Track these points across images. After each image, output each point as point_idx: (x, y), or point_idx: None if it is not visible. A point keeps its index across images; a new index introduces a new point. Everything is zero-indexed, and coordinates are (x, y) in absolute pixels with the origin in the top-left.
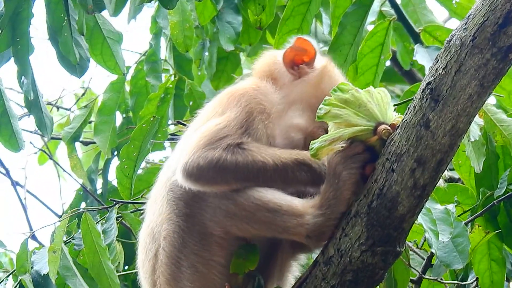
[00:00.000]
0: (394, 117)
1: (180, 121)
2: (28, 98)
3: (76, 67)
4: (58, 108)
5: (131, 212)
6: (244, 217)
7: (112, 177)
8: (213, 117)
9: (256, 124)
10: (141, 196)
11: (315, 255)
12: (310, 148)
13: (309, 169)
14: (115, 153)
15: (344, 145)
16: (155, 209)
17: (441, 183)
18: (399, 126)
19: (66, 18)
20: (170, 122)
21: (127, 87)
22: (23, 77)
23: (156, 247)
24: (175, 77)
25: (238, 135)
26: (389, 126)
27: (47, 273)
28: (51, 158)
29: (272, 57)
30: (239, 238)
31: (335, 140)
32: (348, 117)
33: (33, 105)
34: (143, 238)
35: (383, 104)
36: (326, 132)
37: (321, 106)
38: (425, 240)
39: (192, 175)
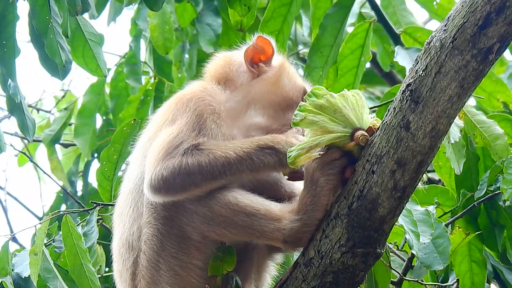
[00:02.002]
0: (371, 120)
1: None
2: (15, 101)
3: (59, 69)
4: (38, 110)
5: (112, 215)
6: (221, 222)
7: (93, 179)
8: (164, 124)
9: (208, 125)
10: None
11: (295, 256)
12: (287, 156)
13: (273, 151)
14: (95, 155)
15: (321, 152)
16: (125, 220)
17: (419, 185)
18: (379, 127)
19: (51, 20)
20: None
21: (107, 89)
22: (9, 80)
23: (135, 254)
24: (155, 79)
25: (192, 138)
26: (366, 130)
27: (28, 275)
28: (31, 161)
29: (226, 58)
30: (217, 241)
31: (312, 147)
32: (324, 123)
33: (16, 107)
34: (117, 249)
35: (358, 108)
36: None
37: (296, 112)
38: (405, 242)
39: (161, 188)
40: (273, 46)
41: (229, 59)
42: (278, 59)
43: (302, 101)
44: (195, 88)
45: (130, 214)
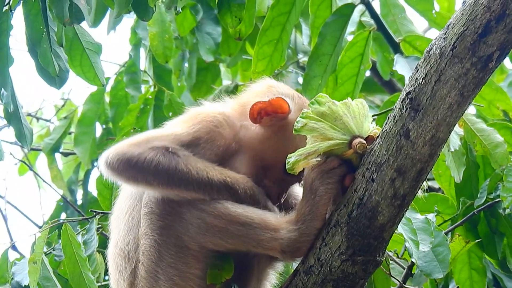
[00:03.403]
0: (371, 129)
1: None
2: (8, 110)
3: (56, 79)
4: (38, 119)
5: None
6: (217, 233)
7: (92, 188)
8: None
9: (197, 150)
10: None
11: (295, 264)
12: (286, 162)
13: (233, 194)
14: (95, 164)
15: (319, 159)
16: (120, 226)
17: (419, 193)
18: (378, 136)
19: (45, 29)
20: None
21: (107, 98)
22: (2, 89)
23: (132, 265)
24: (154, 88)
25: (172, 144)
26: (366, 138)
27: (28, 284)
28: (31, 169)
29: (257, 90)
30: (215, 250)
31: (311, 154)
32: (324, 130)
33: (13, 116)
34: (113, 258)
35: (359, 116)
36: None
37: (298, 119)
38: (405, 250)
39: (114, 168)
40: (291, 108)
41: (257, 93)
42: (290, 120)
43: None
44: (211, 111)
45: (126, 221)
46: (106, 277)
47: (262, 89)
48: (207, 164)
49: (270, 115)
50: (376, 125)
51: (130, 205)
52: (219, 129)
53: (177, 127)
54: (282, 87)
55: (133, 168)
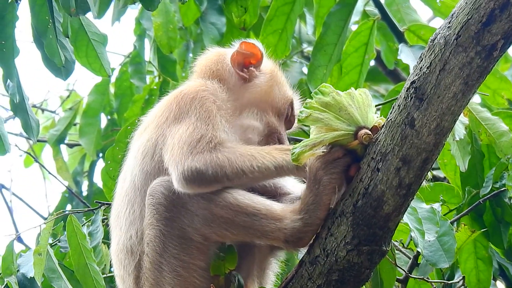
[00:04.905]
0: (376, 119)
1: None
2: (14, 101)
3: (62, 70)
4: (43, 110)
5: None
6: (222, 224)
7: (98, 179)
8: (165, 123)
9: (218, 119)
10: None
11: (300, 254)
12: (291, 153)
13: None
14: (100, 155)
15: (325, 150)
16: (122, 224)
17: (424, 182)
18: (383, 125)
19: (50, 20)
20: None
21: (112, 89)
22: (8, 80)
23: (136, 259)
24: (159, 78)
25: (210, 132)
26: (371, 129)
27: (33, 275)
28: (36, 161)
29: (218, 56)
30: (219, 242)
31: (316, 145)
32: (328, 121)
33: (19, 108)
34: (116, 255)
35: (364, 106)
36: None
37: (302, 109)
38: (411, 239)
39: (195, 179)
40: (261, 49)
41: (222, 57)
42: (268, 65)
43: (292, 109)
44: (196, 86)
45: (126, 217)
46: (112, 269)
47: (214, 56)
48: (245, 146)
49: (252, 64)
50: (380, 116)
51: (128, 201)
52: (214, 95)
53: (185, 116)
54: (228, 50)
55: (211, 170)
